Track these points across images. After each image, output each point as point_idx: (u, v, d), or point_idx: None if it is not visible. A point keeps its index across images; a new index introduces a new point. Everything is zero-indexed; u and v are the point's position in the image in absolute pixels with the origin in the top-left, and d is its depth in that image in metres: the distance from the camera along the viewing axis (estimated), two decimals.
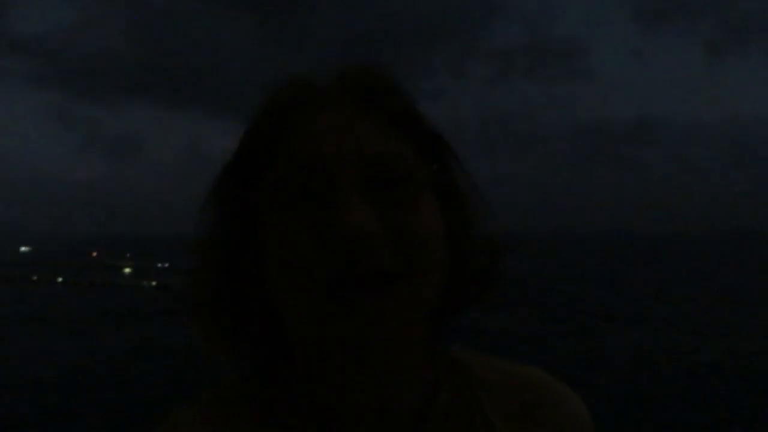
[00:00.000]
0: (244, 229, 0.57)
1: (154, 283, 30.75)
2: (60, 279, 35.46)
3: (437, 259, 0.54)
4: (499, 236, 0.63)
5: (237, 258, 0.58)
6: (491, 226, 0.62)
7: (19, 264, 49.85)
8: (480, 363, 0.66)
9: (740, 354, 14.72)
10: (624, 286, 32.20)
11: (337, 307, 0.50)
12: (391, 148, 0.55)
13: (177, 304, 0.61)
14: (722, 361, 13.97)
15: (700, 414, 10.08)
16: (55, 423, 9.85)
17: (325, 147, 0.54)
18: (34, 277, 36.64)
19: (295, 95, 0.58)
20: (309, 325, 0.53)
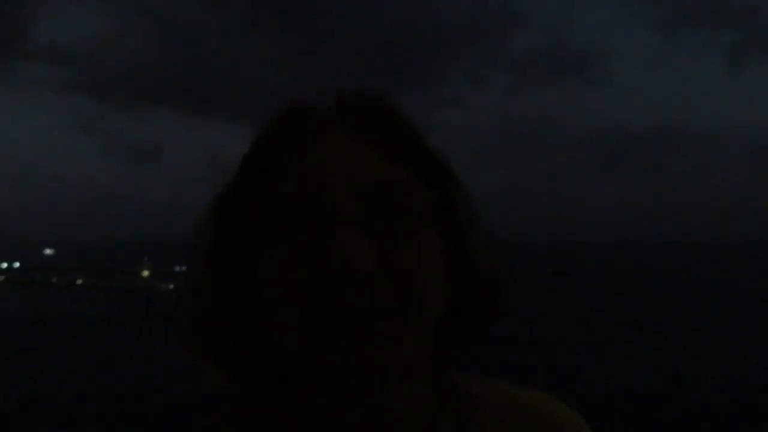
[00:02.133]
0: (238, 261, 0.57)
1: (171, 286, 30.98)
2: (79, 281, 35.89)
3: (435, 294, 0.53)
4: (501, 265, 0.61)
5: (231, 289, 0.57)
6: (494, 254, 0.61)
7: (43, 267, 50.54)
8: (485, 389, 0.65)
9: (760, 361, 14.45)
10: (643, 294, 31.83)
11: (330, 343, 0.49)
12: (389, 175, 0.53)
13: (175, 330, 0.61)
14: (742, 369, 13.74)
15: (716, 420, 9.90)
16: (66, 425, 9.91)
17: (319, 178, 0.52)
18: (54, 280, 37.14)
19: (291, 123, 0.57)
20: (304, 359, 0.52)
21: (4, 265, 49.71)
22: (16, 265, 51.25)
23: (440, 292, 0.53)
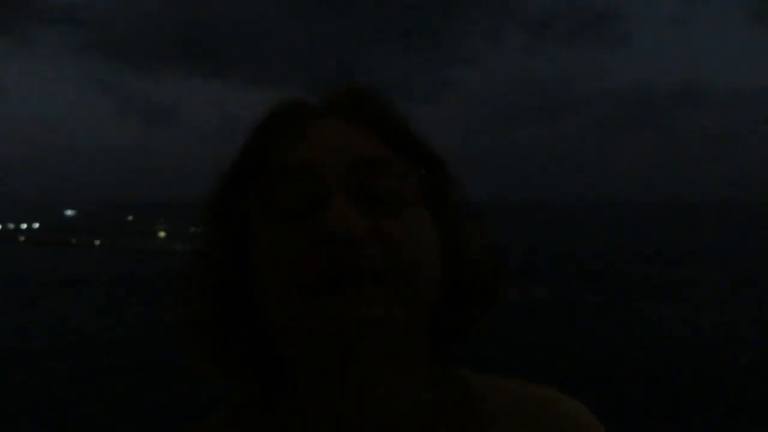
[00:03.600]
0: (236, 244, 0.58)
1: (187, 247, 31.07)
2: (97, 242, 36.23)
3: (425, 268, 0.53)
4: (496, 253, 0.62)
5: (229, 274, 0.58)
6: (488, 242, 0.62)
7: (63, 227, 51.12)
8: (485, 384, 0.64)
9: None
10: (663, 256, 31.42)
11: (318, 306, 0.50)
12: (379, 155, 0.56)
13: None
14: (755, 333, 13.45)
15: (728, 388, 9.66)
16: (78, 386, 9.91)
17: (312, 155, 0.55)
18: (73, 241, 37.54)
19: (286, 111, 0.61)
20: (292, 326, 0.53)
21: (24, 226, 50.35)
22: (36, 225, 51.89)
23: (431, 269, 0.54)
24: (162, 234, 40.46)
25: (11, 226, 50.44)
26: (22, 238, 41.70)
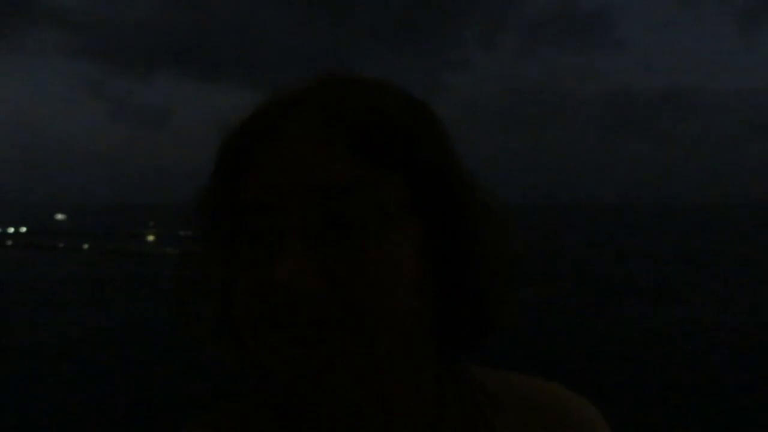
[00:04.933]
0: (215, 263, 0.58)
1: (177, 251, 30.91)
2: (85, 246, 35.94)
3: (387, 306, 0.49)
4: (510, 257, 0.58)
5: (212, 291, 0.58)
6: (502, 245, 0.57)
7: (49, 231, 50.68)
8: (491, 380, 0.64)
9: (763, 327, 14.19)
10: (651, 258, 31.53)
11: (277, 349, 0.50)
12: (351, 179, 0.49)
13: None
14: (750, 335, 13.48)
15: (725, 390, 9.67)
16: (64, 388, 9.79)
17: (271, 184, 0.51)
18: (61, 245, 37.21)
19: (258, 119, 0.55)
20: (262, 359, 0.53)
21: (11, 230, 49.87)
22: (23, 230, 51.39)
23: (400, 300, 0.50)
24: (151, 237, 40.20)
25: None
26: (9, 242, 41.29)
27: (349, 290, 0.48)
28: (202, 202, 0.59)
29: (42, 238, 42.58)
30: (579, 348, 12.35)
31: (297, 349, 0.49)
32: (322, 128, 0.51)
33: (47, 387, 9.95)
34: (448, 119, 0.56)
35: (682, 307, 17.41)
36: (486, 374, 0.64)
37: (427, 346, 0.56)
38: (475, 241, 0.55)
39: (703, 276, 24.04)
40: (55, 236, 43.14)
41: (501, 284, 0.57)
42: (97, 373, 10.64)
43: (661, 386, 9.84)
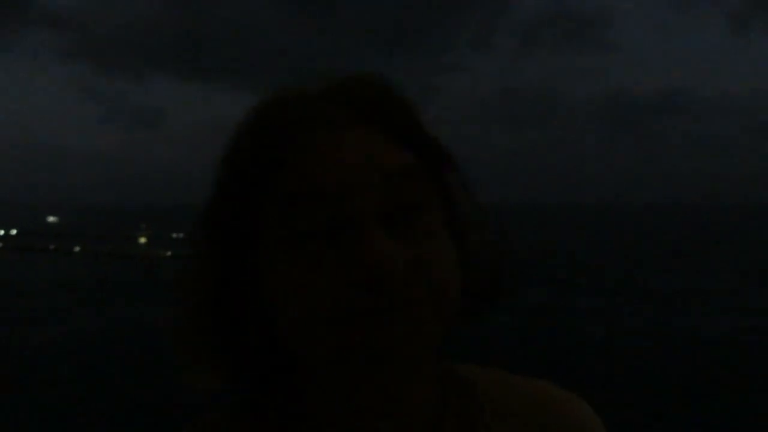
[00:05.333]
0: (242, 266, 0.54)
1: (169, 253, 30.76)
2: (77, 249, 35.68)
3: (455, 286, 0.52)
4: (502, 253, 0.61)
5: (234, 295, 0.55)
6: (493, 241, 0.61)
7: (40, 233, 50.31)
8: (488, 380, 0.64)
9: (760, 329, 14.19)
10: (645, 259, 31.58)
11: (352, 332, 0.48)
12: (407, 163, 0.51)
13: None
14: (743, 336, 13.48)
15: (716, 388, 9.64)
16: (54, 394, 9.64)
17: (335, 170, 0.49)
18: (51, 247, 36.93)
19: (291, 109, 0.53)
20: (320, 351, 0.50)
21: (1, 232, 49.45)
22: (14, 232, 50.98)
23: (456, 284, 0.53)
24: (143, 239, 39.97)
25: None
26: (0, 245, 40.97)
27: (433, 272, 0.49)
28: (230, 192, 0.54)
29: (32, 240, 42.25)
30: (578, 347, 12.30)
31: (380, 319, 0.47)
32: (362, 120, 0.52)
33: (35, 390, 9.81)
34: (442, 120, 0.58)
35: (680, 308, 17.42)
36: (484, 374, 0.65)
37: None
38: (483, 221, 0.59)
39: (696, 277, 24.06)
40: (45, 238, 42.79)
41: (498, 267, 0.60)
42: (86, 376, 10.52)
43: (658, 385, 9.80)
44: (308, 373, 0.56)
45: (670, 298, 19.22)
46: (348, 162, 0.49)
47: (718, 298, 18.91)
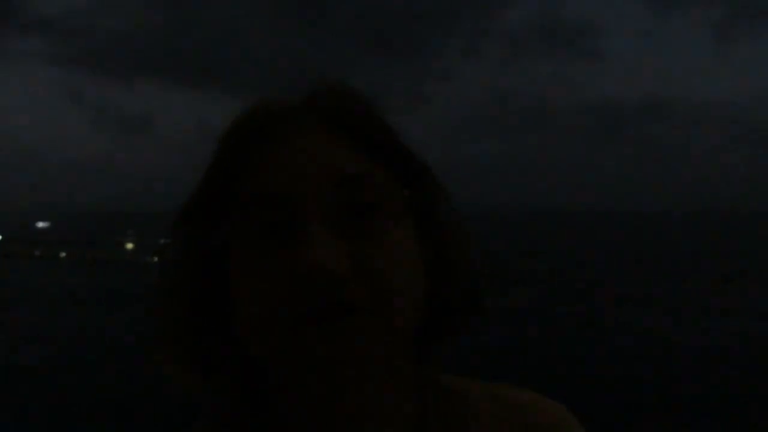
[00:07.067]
0: (209, 266, 0.55)
1: (155, 259, 30.58)
2: (62, 254, 35.43)
3: (409, 293, 0.52)
4: (480, 264, 0.61)
5: (202, 294, 0.56)
6: (472, 254, 0.61)
7: (25, 239, 49.85)
8: (469, 389, 0.65)
9: (747, 336, 14.36)
10: (629, 265, 31.81)
11: (300, 340, 0.49)
12: (361, 170, 0.52)
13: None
14: (728, 344, 13.63)
15: (706, 396, 9.75)
16: (41, 401, 9.59)
17: (288, 173, 0.51)
18: (37, 253, 36.63)
19: (257, 121, 0.55)
20: (273, 358, 0.51)
21: None
22: None
23: (415, 292, 0.53)
24: (130, 245, 39.73)
25: None
26: None
27: (380, 278, 0.49)
28: (199, 199, 0.56)
29: (18, 246, 41.87)
30: (566, 354, 12.38)
31: (324, 336, 0.48)
32: (327, 128, 0.54)
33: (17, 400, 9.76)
34: (431, 127, 0.51)
35: (663, 313, 17.57)
36: (462, 383, 0.65)
37: (407, 355, 0.57)
38: (461, 234, 0.59)
39: (682, 283, 24.28)
40: (32, 244, 42.42)
41: (477, 270, 0.60)
42: (69, 383, 10.46)
43: (638, 389, 9.90)
44: (275, 379, 0.56)
45: (657, 304, 19.39)
46: (300, 166, 0.51)
47: (701, 305, 19.09)
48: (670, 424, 8.68)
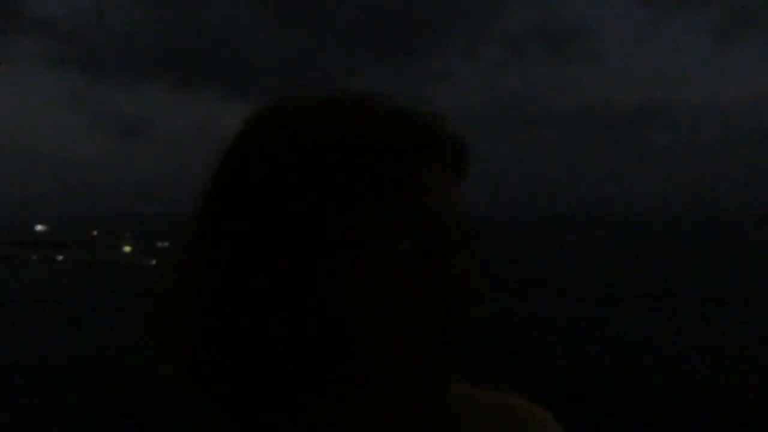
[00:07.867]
0: (301, 260, 0.51)
1: (153, 262, 30.56)
2: (60, 258, 35.34)
3: None
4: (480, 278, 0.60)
5: (279, 289, 0.50)
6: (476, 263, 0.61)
7: (27, 243, 49.70)
8: (457, 395, 0.65)
9: (744, 337, 14.38)
10: (626, 267, 31.83)
11: (437, 357, 0.53)
12: (464, 211, 0.57)
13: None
14: (727, 343, 13.65)
15: (704, 397, 9.74)
16: (41, 407, 9.55)
17: (439, 203, 0.54)
18: (34, 256, 36.54)
19: (409, 145, 0.53)
20: (404, 373, 0.53)
21: None
22: None
23: None
24: (127, 249, 39.63)
25: None
26: None
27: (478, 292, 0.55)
28: (326, 180, 0.51)
29: (15, 249, 41.76)
30: (557, 354, 12.36)
31: (454, 353, 0.54)
32: (452, 177, 0.58)
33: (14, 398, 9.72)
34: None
35: (669, 315, 17.56)
36: (451, 388, 0.65)
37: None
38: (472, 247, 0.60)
39: (681, 284, 24.27)
40: (29, 247, 42.32)
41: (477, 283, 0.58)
42: (62, 393, 10.42)
43: (638, 391, 9.88)
44: (324, 390, 0.55)
45: (657, 304, 19.40)
46: (444, 195, 0.55)
47: (700, 306, 19.11)
48: (670, 424, 8.66)
